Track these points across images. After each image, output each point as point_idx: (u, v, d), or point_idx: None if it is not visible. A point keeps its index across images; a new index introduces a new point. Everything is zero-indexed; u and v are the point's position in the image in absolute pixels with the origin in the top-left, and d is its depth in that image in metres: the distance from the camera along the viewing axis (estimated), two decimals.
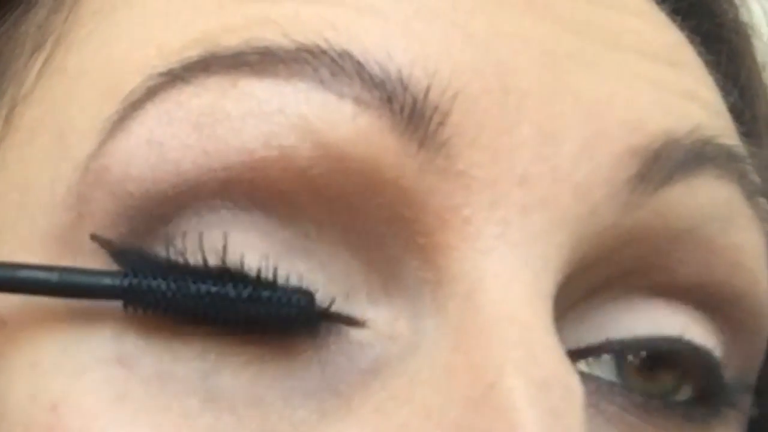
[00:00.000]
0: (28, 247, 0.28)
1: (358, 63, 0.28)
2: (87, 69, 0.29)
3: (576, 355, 0.31)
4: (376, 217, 0.28)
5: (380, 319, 0.28)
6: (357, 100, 0.28)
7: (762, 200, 0.33)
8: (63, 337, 0.28)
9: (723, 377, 0.32)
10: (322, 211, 0.28)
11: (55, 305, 0.28)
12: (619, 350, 0.31)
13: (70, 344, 0.27)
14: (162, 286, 0.27)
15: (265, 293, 0.27)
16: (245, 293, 0.27)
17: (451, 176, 0.28)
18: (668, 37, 0.33)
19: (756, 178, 0.33)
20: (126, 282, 0.27)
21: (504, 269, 0.28)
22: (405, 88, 0.28)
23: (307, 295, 0.28)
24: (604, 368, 0.31)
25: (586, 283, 0.30)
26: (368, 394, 0.27)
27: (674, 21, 0.35)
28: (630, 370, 0.31)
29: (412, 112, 0.28)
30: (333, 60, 0.28)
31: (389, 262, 0.29)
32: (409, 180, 0.28)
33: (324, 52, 0.28)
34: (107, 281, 0.27)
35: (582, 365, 0.31)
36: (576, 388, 0.27)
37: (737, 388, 0.33)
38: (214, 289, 0.27)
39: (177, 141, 0.27)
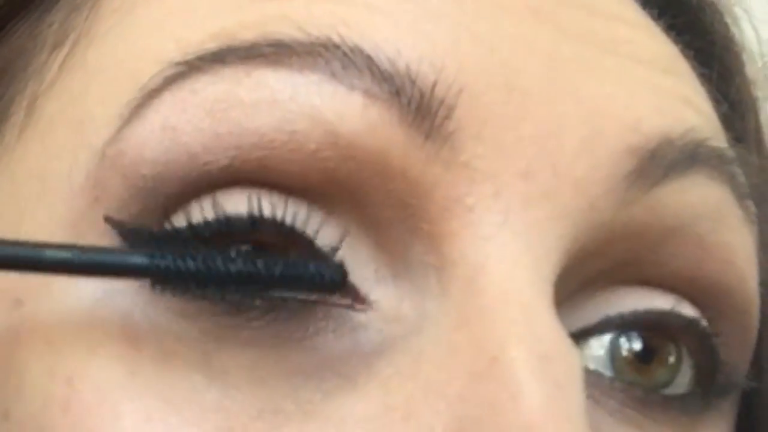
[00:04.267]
0: (46, 233, 0.28)
1: (369, 57, 0.28)
2: (106, 63, 0.30)
3: (575, 337, 0.30)
4: (384, 202, 0.28)
5: (385, 300, 0.28)
6: (367, 93, 0.28)
7: (750, 203, 0.33)
8: (76, 317, 0.28)
9: (718, 350, 0.32)
10: (331, 192, 0.28)
11: (69, 286, 0.28)
12: (616, 326, 0.31)
13: (82, 324, 0.27)
14: (191, 265, 0.27)
15: (296, 268, 0.27)
16: (276, 269, 0.27)
17: (455, 167, 0.28)
18: (664, 48, 0.33)
19: (745, 181, 0.33)
20: (156, 261, 0.27)
21: (505, 254, 0.28)
22: (413, 82, 0.28)
23: (338, 268, 0.28)
24: (598, 363, 0.31)
25: (583, 274, 0.30)
26: (373, 372, 0.27)
27: (669, 36, 0.35)
28: (624, 363, 0.31)
29: (419, 105, 0.28)
30: (345, 54, 0.28)
31: (396, 245, 0.29)
32: (415, 170, 0.28)
33: (336, 46, 0.28)
34: (136, 260, 0.27)
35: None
36: (576, 361, 0.27)
37: (731, 379, 0.33)
38: (243, 266, 0.27)
39: (190, 126, 0.28)
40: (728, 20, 0.39)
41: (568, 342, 0.27)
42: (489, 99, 0.28)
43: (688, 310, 0.32)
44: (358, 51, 0.28)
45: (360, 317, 0.28)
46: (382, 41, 0.28)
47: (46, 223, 0.29)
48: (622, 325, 0.31)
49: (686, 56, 0.35)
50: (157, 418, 0.26)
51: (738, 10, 0.40)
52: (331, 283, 0.28)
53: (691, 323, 0.32)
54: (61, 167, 0.29)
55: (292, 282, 0.27)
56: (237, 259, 0.27)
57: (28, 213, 0.29)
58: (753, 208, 0.33)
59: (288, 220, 0.28)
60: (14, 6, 0.33)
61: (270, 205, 0.28)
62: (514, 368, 0.26)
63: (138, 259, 0.27)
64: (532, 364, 0.26)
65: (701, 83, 0.35)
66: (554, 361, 0.26)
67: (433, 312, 0.28)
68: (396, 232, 0.29)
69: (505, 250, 0.28)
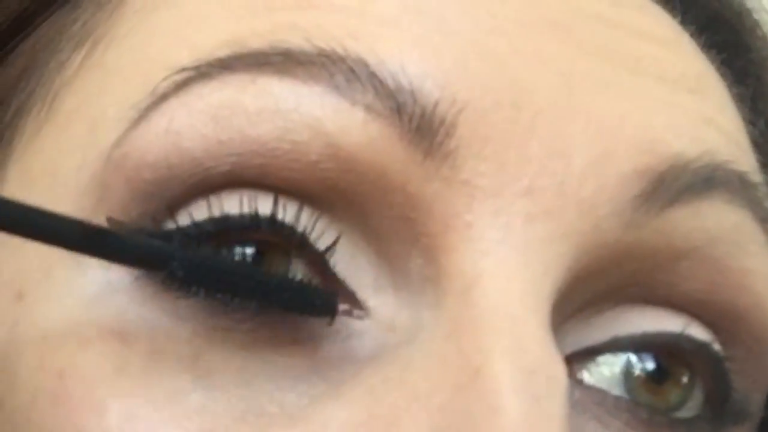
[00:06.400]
0: None
1: (372, 72, 0.28)
2: (123, 64, 0.30)
3: (583, 354, 0.30)
4: (384, 214, 0.28)
5: (383, 309, 0.28)
6: (368, 108, 0.27)
7: None
8: (72, 312, 0.28)
9: (729, 376, 0.31)
10: (332, 200, 0.28)
11: (69, 281, 0.28)
12: (626, 347, 0.30)
13: (77, 319, 0.28)
14: (208, 262, 0.27)
15: (295, 284, 0.27)
16: (277, 281, 0.27)
17: (455, 185, 0.28)
18: (692, 67, 0.33)
19: None
20: (175, 251, 0.27)
21: (502, 270, 0.27)
22: (415, 99, 0.28)
23: (332, 296, 0.28)
24: (612, 382, 0.31)
25: (590, 291, 0.30)
26: (362, 379, 0.27)
27: (707, 54, 0.34)
28: (638, 383, 0.31)
29: (419, 123, 0.28)
30: (349, 67, 0.28)
31: (397, 255, 0.28)
32: (415, 186, 0.28)
33: (341, 58, 0.28)
34: (156, 246, 0.27)
35: (587, 376, 0.30)
36: (560, 377, 0.26)
37: (743, 406, 0.32)
38: (256, 271, 0.27)
39: (193, 131, 0.28)
40: None
41: (554, 357, 0.27)
42: (494, 117, 0.28)
43: (699, 333, 0.31)
44: (362, 65, 0.28)
45: (356, 324, 0.28)
46: (388, 56, 0.28)
47: None
48: (632, 346, 0.31)
49: (723, 74, 0.34)
50: (140, 415, 0.26)
51: None
52: (323, 310, 0.28)
53: (702, 347, 0.31)
54: (72, 165, 0.29)
55: (288, 302, 0.27)
56: (244, 264, 0.28)
57: None
58: None
59: (286, 219, 0.28)
60: (43, 2, 0.33)
61: (268, 205, 0.28)
62: (496, 381, 0.26)
63: (163, 247, 0.27)
64: (514, 378, 0.26)
65: (737, 104, 0.34)
66: (537, 375, 0.26)
67: (427, 322, 0.28)
68: (396, 243, 0.28)
69: (502, 265, 0.27)
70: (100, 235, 0.27)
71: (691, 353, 0.31)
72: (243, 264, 0.28)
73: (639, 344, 0.31)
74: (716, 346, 0.31)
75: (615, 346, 0.31)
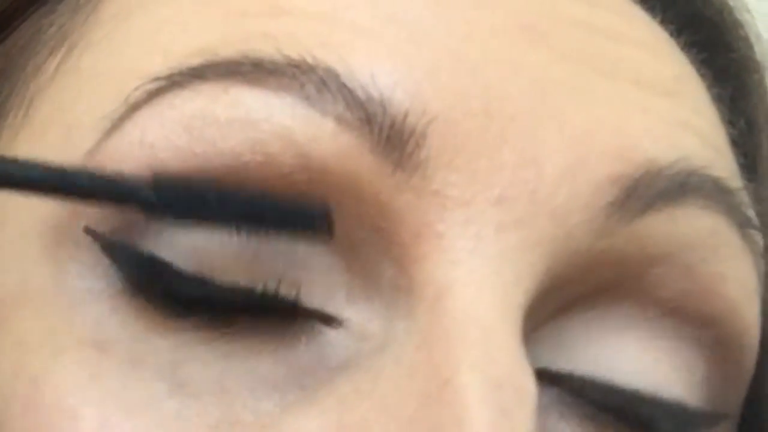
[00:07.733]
0: (27, 235, 0.29)
1: (342, 83, 0.27)
2: (98, 70, 0.30)
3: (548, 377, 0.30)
4: (356, 224, 0.28)
5: (356, 319, 0.28)
6: (339, 119, 0.27)
7: (756, 233, 0.32)
8: (48, 319, 0.28)
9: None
10: None
11: (45, 287, 0.28)
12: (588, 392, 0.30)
13: (54, 326, 0.28)
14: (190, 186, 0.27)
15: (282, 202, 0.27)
16: (263, 201, 0.27)
17: (426, 195, 0.28)
18: (669, 69, 0.32)
19: (750, 211, 0.32)
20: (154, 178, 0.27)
21: (473, 279, 0.27)
22: (385, 110, 0.27)
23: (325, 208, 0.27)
24: None
25: (561, 299, 0.29)
26: (332, 388, 0.27)
27: (688, 53, 0.34)
28: None
29: (390, 133, 0.27)
30: (319, 77, 0.27)
31: (369, 266, 0.28)
32: (386, 196, 0.28)
33: (312, 68, 0.27)
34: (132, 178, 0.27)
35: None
36: (529, 389, 0.26)
37: (715, 413, 0.32)
38: (238, 195, 0.27)
39: (167, 142, 0.27)
40: (752, 38, 0.38)
41: (523, 367, 0.27)
42: (465, 126, 0.28)
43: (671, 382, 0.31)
44: (332, 75, 0.27)
45: (329, 333, 0.28)
46: (358, 66, 0.28)
47: (27, 225, 0.29)
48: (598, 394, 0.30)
49: (704, 75, 0.34)
50: (112, 423, 0.26)
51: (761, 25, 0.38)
52: (317, 225, 0.27)
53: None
54: None
55: (280, 221, 0.27)
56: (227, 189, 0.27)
57: (11, 213, 0.29)
58: (760, 240, 0.32)
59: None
60: (20, 4, 0.33)
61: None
62: (464, 393, 0.26)
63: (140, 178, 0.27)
64: (482, 390, 0.26)
65: (717, 105, 0.34)
66: (505, 387, 0.26)
67: (399, 332, 0.28)
68: (369, 253, 0.28)
69: (473, 274, 0.27)
70: (72, 175, 0.26)
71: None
72: (225, 189, 0.27)
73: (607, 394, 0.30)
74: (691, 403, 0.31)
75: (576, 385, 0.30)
